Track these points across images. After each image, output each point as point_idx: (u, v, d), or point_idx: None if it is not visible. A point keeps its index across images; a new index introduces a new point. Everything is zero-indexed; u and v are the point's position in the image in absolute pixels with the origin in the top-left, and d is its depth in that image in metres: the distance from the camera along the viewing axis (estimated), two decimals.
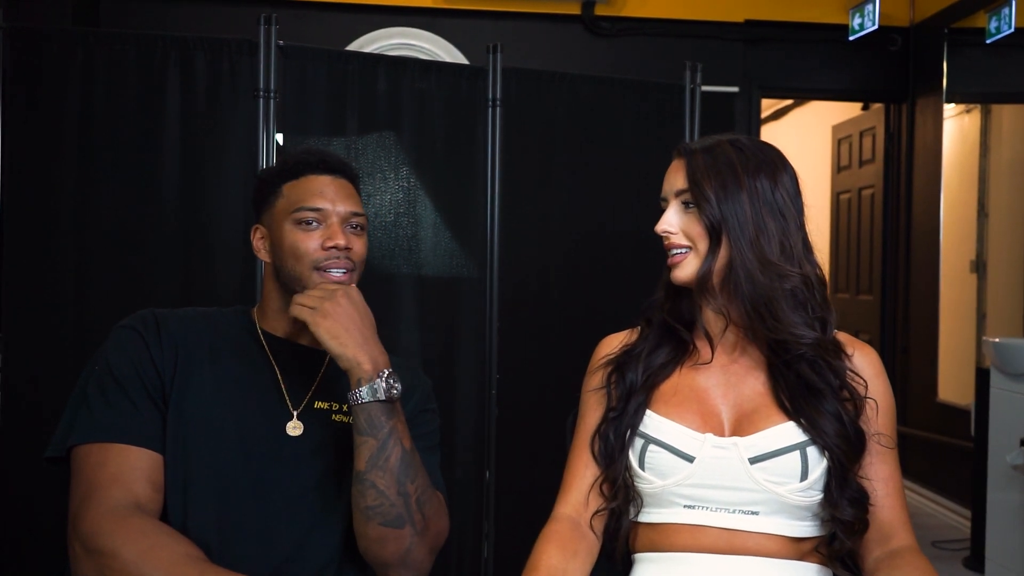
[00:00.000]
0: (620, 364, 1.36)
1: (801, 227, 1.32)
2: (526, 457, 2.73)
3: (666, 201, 1.34)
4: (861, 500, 1.24)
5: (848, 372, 1.29)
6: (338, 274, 1.34)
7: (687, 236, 1.30)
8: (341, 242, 1.33)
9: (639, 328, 1.42)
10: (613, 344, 1.42)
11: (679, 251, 1.31)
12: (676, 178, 1.32)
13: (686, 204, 1.31)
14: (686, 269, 1.31)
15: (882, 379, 1.32)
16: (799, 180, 1.34)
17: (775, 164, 1.31)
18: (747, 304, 1.28)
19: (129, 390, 1.26)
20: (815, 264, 1.32)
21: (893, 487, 1.28)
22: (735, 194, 1.27)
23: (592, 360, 1.43)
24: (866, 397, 1.28)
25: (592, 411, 1.38)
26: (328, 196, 1.36)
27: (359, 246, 1.37)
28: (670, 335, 1.37)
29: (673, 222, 1.32)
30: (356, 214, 1.38)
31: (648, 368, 1.34)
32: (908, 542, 1.26)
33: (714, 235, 1.28)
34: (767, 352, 1.31)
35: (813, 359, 1.27)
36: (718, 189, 1.28)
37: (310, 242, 1.33)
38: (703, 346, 1.35)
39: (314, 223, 1.34)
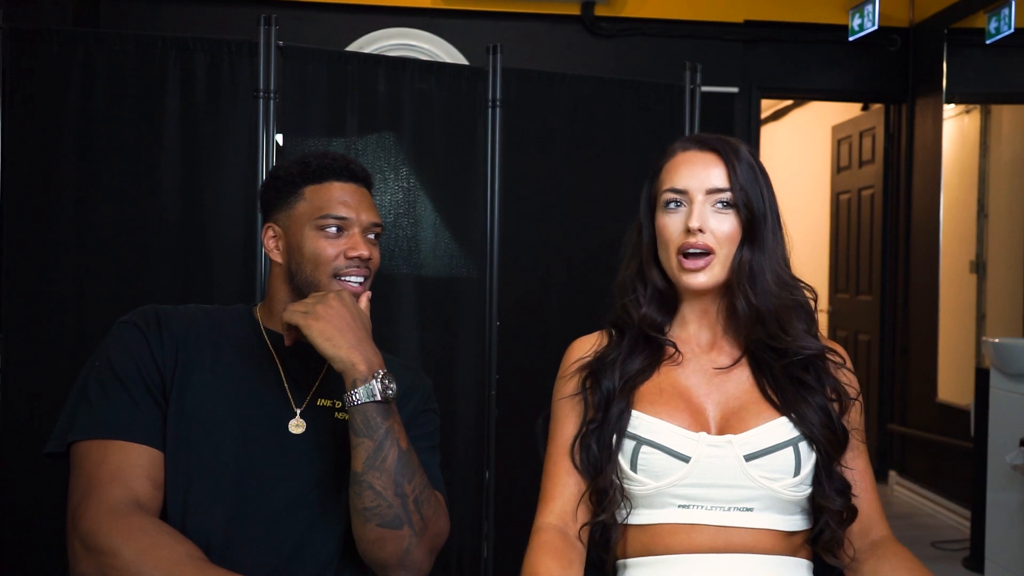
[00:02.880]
0: (594, 371, 1.33)
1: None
2: (526, 458, 2.72)
3: (685, 195, 1.28)
4: (845, 490, 1.26)
5: (837, 375, 1.30)
6: (355, 282, 1.35)
7: (717, 239, 1.26)
8: (364, 253, 1.35)
9: (609, 330, 1.39)
10: (585, 348, 1.38)
11: (702, 253, 1.27)
12: (709, 173, 1.27)
13: (723, 204, 1.27)
14: (712, 274, 1.27)
15: (852, 375, 1.34)
16: None
17: None
18: (756, 313, 1.27)
19: (130, 386, 1.26)
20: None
21: (869, 480, 1.32)
22: (764, 201, 1.27)
23: (563, 365, 1.39)
24: (854, 400, 1.30)
25: (568, 418, 1.34)
26: (352, 205, 1.37)
27: (376, 255, 1.39)
28: (646, 340, 1.34)
29: (709, 222, 1.26)
30: (375, 224, 1.39)
31: (625, 374, 1.30)
32: (886, 532, 1.31)
33: (747, 240, 1.26)
34: (747, 348, 1.31)
35: (808, 362, 1.28)
36: (757, 195, 1.26)
37: (332, 250, 1.35)
38: (680, 345, 1.34)
39: (337, 230, 1.35)
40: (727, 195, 1.26)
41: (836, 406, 1.27)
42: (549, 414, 1.40)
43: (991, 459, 3.16)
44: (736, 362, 1.32)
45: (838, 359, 1.32)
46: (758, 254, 1.27)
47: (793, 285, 1.29)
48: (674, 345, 1.34)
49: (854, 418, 1.31)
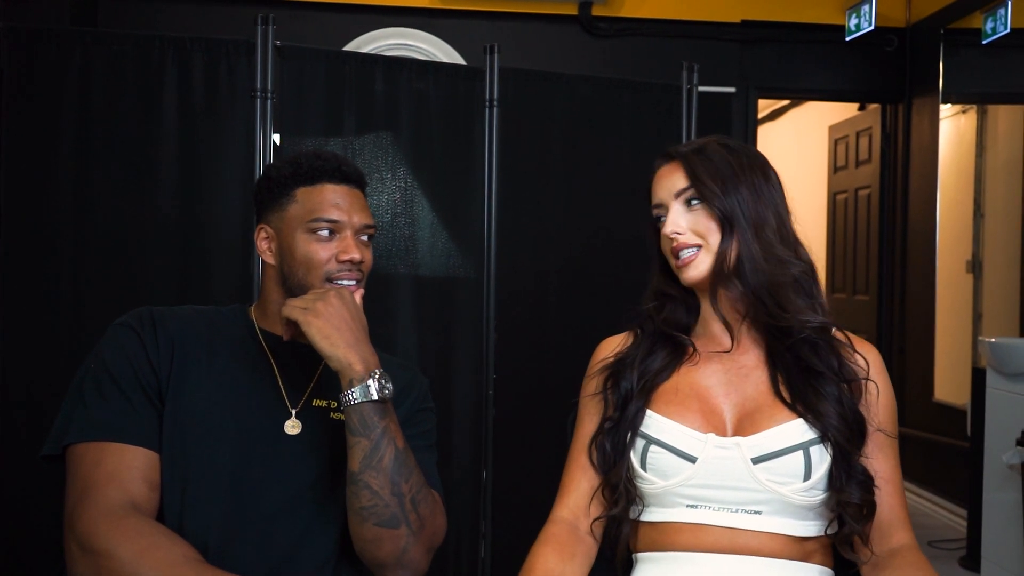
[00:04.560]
0: (615, 372, 1.37)
1: (789, 223, 1.36)
2: (523, 457, 2.74)
3: (663, 207, 1.34)
4: (867, 482, 1.24)
5: (847, 356, 1.30)
6: (348, 285, 1.35)
7: (696, 234, 1.31)
8: (356, 256, 1.35)
9: (635, 330, 1.42)
10: (611, 347, 1.42)
11: (690, 251, 1.31)
12: (672, 180, 1.33)
13: (689, 202, 1.31)
14: (700, 267, 1.31)
15: (884, 377, 1.34)
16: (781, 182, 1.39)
17: (763, 162, 1.36)
18: (752, 294, 1.29)
19: (125, 388, 1.26)
20: (806, 254, 1.36)
21: (894, 486, 1.30)
22: (736, 186, 1.30)
23: (590, 364, 1.43)
24: (866, 380, 1.29)
25: (589, 416, 1.38)
26: (344, 208, 1.36)
27: (369, 257, 1.39)
28: (666, 340, 1.37)
29: (680, 223, 1.31)
30: (368, 226, 1.39)
31: (644, 374, 1.34)
32: (908, 540, 1.28)
33: (726, 225, 1.29)
34: (766, 347, 1.32)
35: (814, 341, 1.29)
36: (720, 182, 1.30)
37: (324, 253, 1.34)
38: (702, 346, 1.36)
39: (329, 233, 1.35)
40: (690, 191, 1.32)
41: (847, 388, 1.27)
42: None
43: (987, 458, 3.17)
44: (757, 362, 1.32)
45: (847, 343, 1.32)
46: (741, 236, 1.29)
47: (787, 261, 1.30)
48: (692, 345, 1.36)
49: (885, 419, 1.30)
